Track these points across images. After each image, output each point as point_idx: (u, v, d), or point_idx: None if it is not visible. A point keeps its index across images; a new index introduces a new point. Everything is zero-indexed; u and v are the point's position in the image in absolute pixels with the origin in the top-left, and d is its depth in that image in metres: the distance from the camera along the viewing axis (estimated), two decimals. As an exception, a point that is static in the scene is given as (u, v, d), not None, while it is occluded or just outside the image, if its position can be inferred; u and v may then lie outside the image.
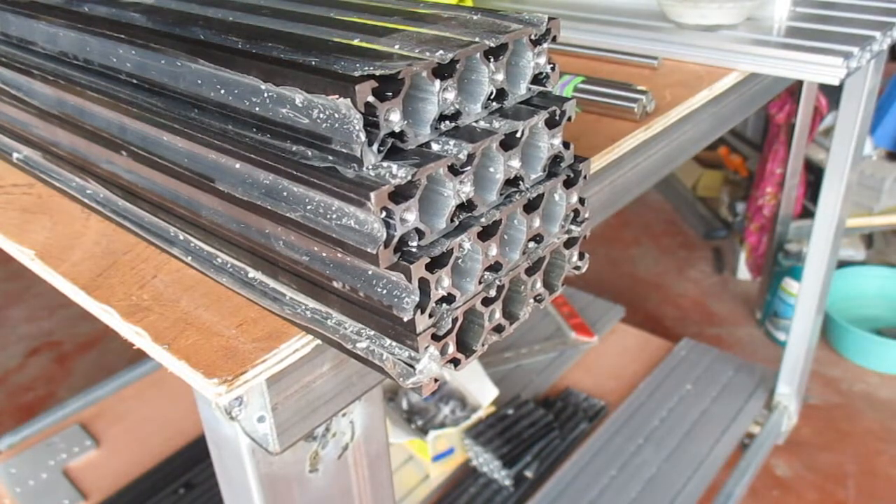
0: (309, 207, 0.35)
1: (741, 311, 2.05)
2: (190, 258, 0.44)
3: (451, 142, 0.35)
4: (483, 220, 0.36)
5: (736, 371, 1.65)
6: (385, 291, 0.34)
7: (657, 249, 2.36)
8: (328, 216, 0.34)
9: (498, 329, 0.39)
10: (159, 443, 1.50)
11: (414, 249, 0.34)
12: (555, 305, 1.84)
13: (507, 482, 1.38)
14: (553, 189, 0.40)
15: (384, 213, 0.32)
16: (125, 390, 1.64)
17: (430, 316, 0.34)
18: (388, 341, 0.36)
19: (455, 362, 0.37)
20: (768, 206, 1.98)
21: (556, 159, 0.40)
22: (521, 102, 0.40)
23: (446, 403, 1.52)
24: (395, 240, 0.33)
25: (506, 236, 0.39)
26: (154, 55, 0.41)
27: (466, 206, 0.36)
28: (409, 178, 0.32)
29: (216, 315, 0.41)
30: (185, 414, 1.56)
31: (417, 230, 0.33)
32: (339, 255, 0.35)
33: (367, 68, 0.32)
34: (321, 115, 0.33)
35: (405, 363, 0.35)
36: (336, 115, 0.32)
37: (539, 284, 0.42)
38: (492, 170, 0.37)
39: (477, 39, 0.36)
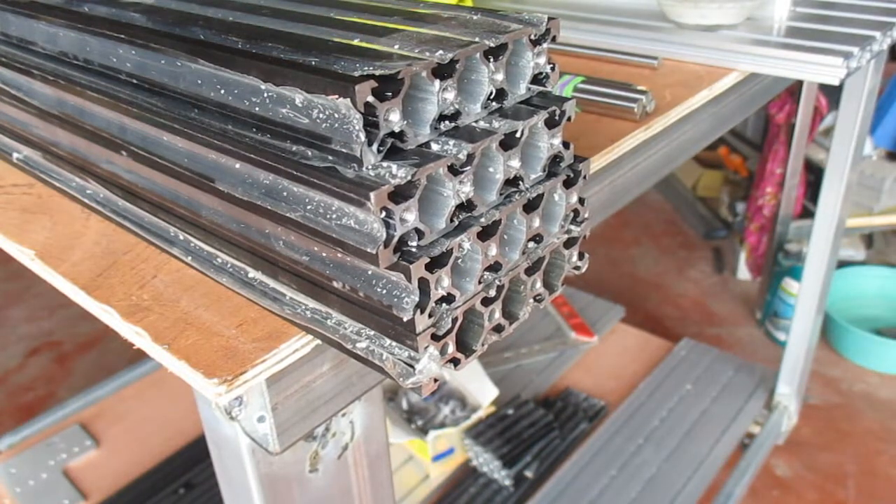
0: (309, 207, 0.35)
1: (741, 311, 2.05)
2: (190, 258, 0.44)
3: (451, 142, 0.35)
4: (483, 220, 0.36)
5: (736, 371, 1.65)
6: (385, 291, 0.34)
7: (657, 249, 2.36)
8: (328, 216, 0.34)
9: (498, 329, 0.39)
10: (159, 443, 1.50)
11: (414, 249, 0.34)
12: (555, 305, 1.84)
13: (507, 482, 1.38)
14: (553, 189, 0.40)
15: (384, 213, 0.32)
16: (125, 390, 1.64)
17: (430, 316, 0.34)
18: (388, 341, 0.36)
19: (455, 362, 0.37)
20: (768, 206, 1.98)
21: (555, 159, 0.40)
22: (521, 102, 0.40)
23: (446, 403, 1.52)
24: (395, 240, 0.33)
25: (505, 236, 0.39)
26: (154, 55, 0.41)
27: (466, 206, 0.36)
28: (409, 178, 0.32)
29: (216, 315, 0.41)
30: (185, 414, 1.56)
31: (417, 230, 0.33)
32: (339, 255, 0.35)
33: (367, 68, 0.32)
34: (321, 115, 0.33)
35: (405, 363, 0.35)
36: (336, 115, 0.32)
37: (539, 284, 0.42)
38: (491, 170, 0.37)
39: (477, 39, 0.36)
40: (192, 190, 0.42)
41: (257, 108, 0.36)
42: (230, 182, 0.38)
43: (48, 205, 0.54)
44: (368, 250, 0.32)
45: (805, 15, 0.83)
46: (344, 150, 0.33)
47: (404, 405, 1.52)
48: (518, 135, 0.37)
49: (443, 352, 0.36)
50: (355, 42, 0.37)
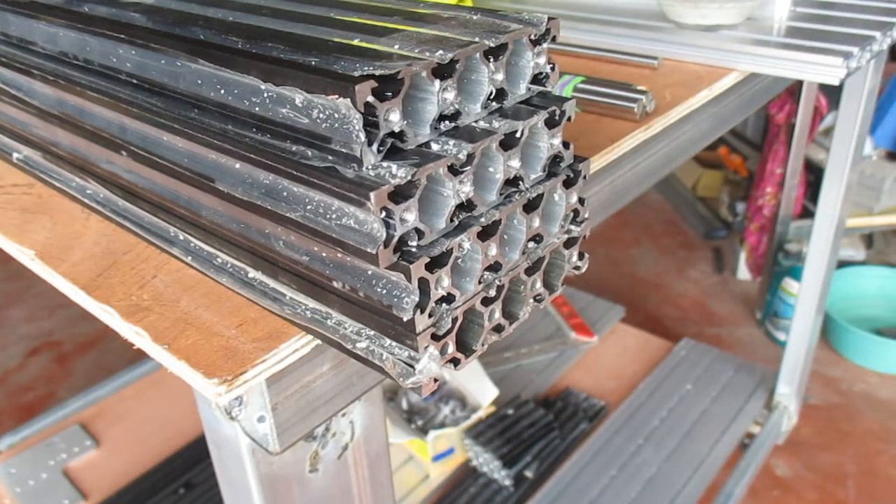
0: (309, 207, 0.35)
1: (741, 311, 2.05)
2: (190, 258, 0.44)
3: (451, 142, 0.35)
4: (483, 219, 0.36)
5: (736, 371, 1.65)
6: (385, 291, 0.34)
7: (657, 249, 2.36)
8: (328, 216, 0.34)
9: (498, 329, 0.39)
10: (159, 443, 1.50)
11: (414, 249, 0.34)
12: (555, 305, 1.84)
13: (507, 482, 1.38)
14: (553, 189, 0.40)
15: (384, 213, 0.32)
16: (125, 390, 1.64)
17: (430, 316, 0.34)
18: (388, 341, 0.36)
19: (455, 362, 0.37)
20: (768, 206, 1.98)
21: (555, 159, 0.40)
22: (521, 102, 0.40)
23: (446, 403, 1.52)
24: (395, 240, 0.33)
25: (505, 236, 0.39)
26: (154, 55, 0.41)
27: (466, 206, 0.36)
28: (409, 178, 0.32)
29: (216, 315, 0.41)
30: (185, 414, 1.56)
31: (417, 230, 0.33)
32: (339, 255, 0.35)
33: (366, 68, 0.32)
34: (321, 115, 0.33)
35: (405, 363, 0.35)
36: (336, 115, 0.32)
37: (539, 284, 0.42)
38: (491, 170, 0.37)
39: (477, 39, 0.36)
40: (192, 190, 0.42)
41: (257, 108, 0.36)
42: (230, 182, 0.38)
43: (48, 205, 0.54)
44: (368, 250, 0.32)
45: (805, 15, 0.83)
46: (344, 150, 0.33)
47: (404, 405, 1.52)
48: (518, 135, 0.37)
49: (443, 352, 0.36)
50: (355, 42, 0.37)
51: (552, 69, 0.40)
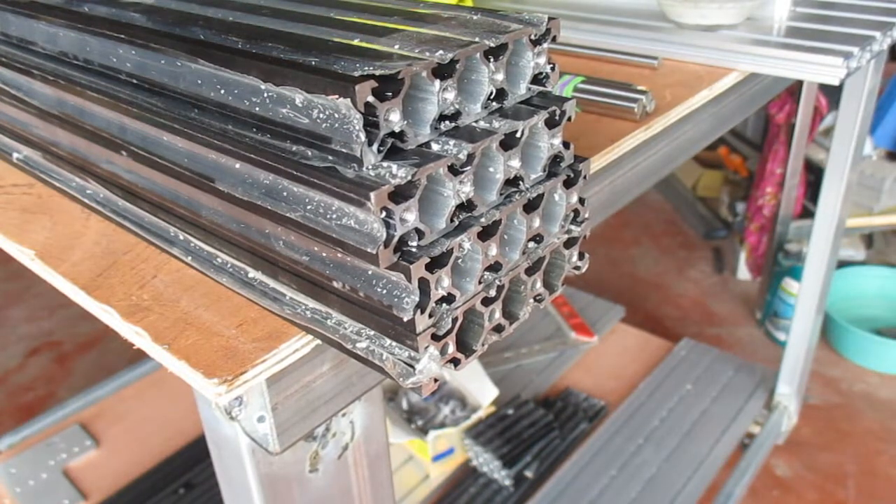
0: (309, 207, 0.35)
1: (741, 311, 2.05)
2: (190, 258, 0.44)
3: (451, 142, 0.35)
4: (483, 220, 0.36)
5: (736, 371, 1.65)
6: (385, 291, 0.34)
7: (657, 249, 2.36)
8: (328, 216, 0.34)
9: (498, 329, 0.39)
10: (159, 443, 1.50)
11: (414, 249, 0.34)
12: (555, 305, 1.84)
13: (507, 482, 1.38)
14: (553, 189, 0.40)
15: (384, 213, 0.32)
16: (125, 390, 1.64)
17: (430, 316, 0.34)
18: (388, 341, 0.36)
19: (455, 362, 0.37)
20: (768, 206, 1.98)
21: (556, 159, 0.40)
22: (521, 102, 0.40)
23: (446, 403, 1.52)
24: (395, 240, 0.33)
25: (506, 236, 0.39)
26: (154, 55, 0.41)
27: (466, 206, 0.36)
28: (409, 178, 0.32)
29: (216, 315, 0.41)
30: (185, 414, 1.56)
31: (417, 230, 0.33)
32: (339, 255, 0.35)
33: (367, 68, 0.32)
34: (321, 115, 0.33)
35: (405, 363, 0.35)
36: (336, 115, 0.32)
37: (539, 284, 0.42)
38: (492, 170, 0.37)
39: (477, 39, 0.36)
40: (192, 190, 0.42)
41: (257, 108, 0.36)
42: (230, 182, 0.38)
43: (48, 205, 0.54)
44: (368, 250, 0.32)
45: (805, 15, 0.83)
46: (344, 150, 0.33)
47: (404, 405, 1.52)
48: (518, 135, 0.37)
49: (443, 352, 0.36)
50: (355, 42, 0.37)
51: (552, 69, 0.40)
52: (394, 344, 0.36)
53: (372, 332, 0.37)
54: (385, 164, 0.33)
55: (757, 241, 2.08)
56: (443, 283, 0.34)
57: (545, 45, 0.39)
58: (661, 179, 0.79)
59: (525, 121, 0.37)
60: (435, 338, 0.35)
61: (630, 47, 0.80)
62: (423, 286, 0.33)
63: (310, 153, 0.34)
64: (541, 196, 0.39)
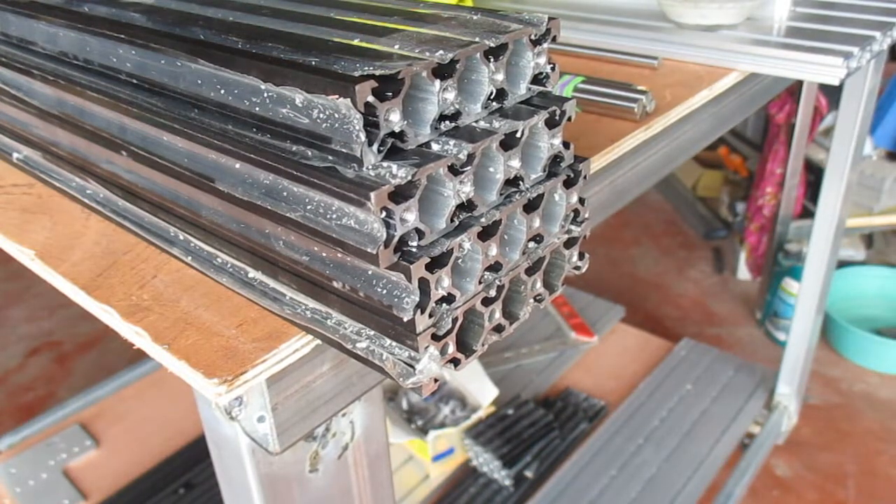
0: (309, 207, 0.35)
1: (741, 311, 2.05)
2: (190, 258, 0.44)
3: (451, 142, 0.35)
4: (483, 220, 0.36)
5: (736, 371, 1.65)
6: (385, 291, 0.34)
7: (657, 249, 2.36)
8: (328, 216, 0.34)
9: (498, 329, 0.39)
10: (159, 443, 1.50)
11: (414, 249, 0.34)
12: (555, 305, 1.84)
13: (507, 482, 1.38)
14: (553, 189, 0.40)
15: (384, 213, 0.32)
16: (125, 390, 1.64)
17: (430, 316, 0.34)
18: (388, 341, 0.36)
19: (455, 362, 0.37)
20: (768, 206, 1.98)
21: (556, 159, 0.40)
22: (521, 102, 0.40)
23: (446, 403, 1.52)
24: (395, 240, 0.33)
25: (506, 236, 0.39)
26: (154, 55, 0.41)
27: (466, 206, 0.36)
28: (409, 178, 0.32)
29: (216, 315, 0.41)
30: (185, 414, 1.56)
31: (417, 230, 0.33)
32: (339, 255, 0.35)
33: (367, 68, 0.32)
34: (321, 115, 0.33)
35: (405, 363, 0.35)
36: (336, 115, 0.32)
37: (539, 284, 0.42)
38: (492, 170, 0.37)
39: (477, 39, 0.36)
40: (192, 190, 0.42)
41: (257, 108, 0.36)
42: (230, 182, 0.38)
43: (48, 205, 0.54)
44: (368, 250, 0.32)
45: (805, 15, 0.83)
46: (344, 150, 0.33)
47: (404, 405, 1.52)
48: (518, 135, 0.37)
49: (443, 352, 0.36)
50: (355, 42, 0.37)
51: (552, 69, 0.40)
52: (394, 344, 0.36)
53: (372, 332, 0.37)
54: (385, 164, 0.33)
55: (757, 241, 2.08)
56: (443, 283, 0.34)
57: (545, 45, 0.39)
58: (661, 179, 0.79)
59: (525, 121, 0.37)
60: (435, 338, 0.35)
61: (630, 47, 0.80)
62: (423, 286, 0.33)
63: (310, 153, 0.34)
64: (541, 196, 0.39)
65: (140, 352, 0.41)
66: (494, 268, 0.37)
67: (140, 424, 1.55)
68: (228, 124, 0.38)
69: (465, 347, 0.38)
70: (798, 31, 0.78)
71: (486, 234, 0.36)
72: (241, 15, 0.44)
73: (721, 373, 1.65)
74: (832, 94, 1.64)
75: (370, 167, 0.33)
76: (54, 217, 0.52)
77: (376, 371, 0.36)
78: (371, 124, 0.32)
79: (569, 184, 0.41)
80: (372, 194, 0.31)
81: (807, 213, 1.98)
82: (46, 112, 0.51)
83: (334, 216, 0.34)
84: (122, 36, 0.43)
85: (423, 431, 1.44)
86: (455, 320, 0.36)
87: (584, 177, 0.42)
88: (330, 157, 0.33)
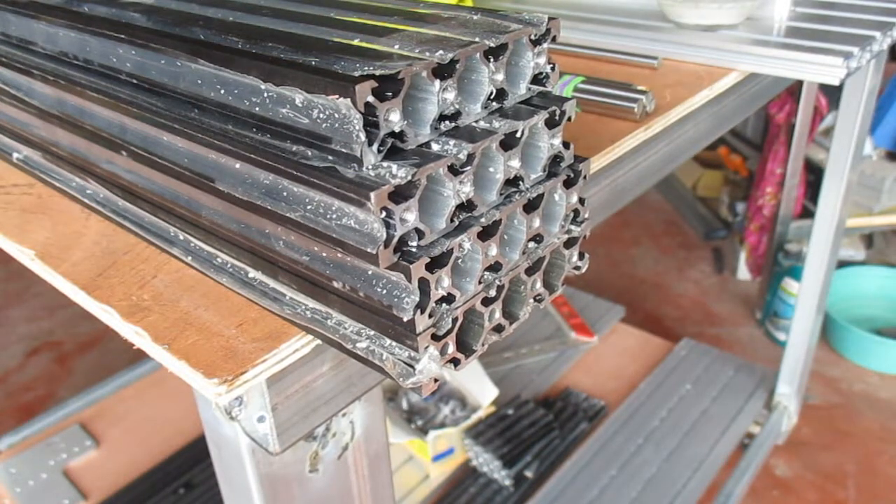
0: (309, 207, 0.35)
1: (741, 311, 2.05)
2: (190, 258, 0.44)
3: (451, 142, 0.35)
4: (483, 220, 0.36)
5: (736, 371, 1.65)
6: (385, 291, 0.34)
7: (657, 249, 2.36)
8: (328, 216, 0.34)
9: (498, 329, 0.39)
10: (159, 443, 1.50)
11: (414, 249, 0.34)
12: (555, 305, 1.84)
13: (507, 482, 1.38)
14: (553, 189, 0.40)
15: (384, 213, 0.32)
16: (125, 390, 1.64)
17: (430, 316, 0.34)
18: (388, 341, 0.36)
19: (455, 362, 0.37)
20: (768, 206, 1.98)
21: (556, 159, 0.40)
22: (521, 102, 0.40)
23: (446, 403, 1.52)
24: (395, 240, 0.33)
25: (506, 236, 0.39)
26: (154, 55, 0.41)
27: (466, 206, 0.36)
28: (409, 178, 0.32)
29: (216, 315, 0.41)
30: (185, 414, 1.56)
31: (417, 230, 0.33)
32: (339, 255, 0.35)
33: (367, 68, 0.32)
34: (321, 115, 0.33)
35: (405, 363, 0.35)
36: (336, 115, 0.32)
37: (539, 284, 0.42)
38: (492, 170, 0.37)
39: (477, 39, 0.36)
40: (192, 190, 0.42)
41: (257, 108, 0.36)
42: (230, 182, 0.38)
43: (48, 205, 0.54)
44: (368, 250, 0.32)
45: (805, 15, 0.83)
46: (344, 150, 0.33)
47: (404, 405, 1.52)
48: (518, 135, 0.37)
49: (443, 352, 0.36)
50: (355, 42, 0.37)
51: (552, 69, 0.40)
52: (394, 344, 0.36)
53: (372, 332, 0.37)
54: (385, 164, 0.33)
55: (757, 241, 2.08)
56: (443, 283, 0.35)
57: (545, 45, 0.39)
58: (661, 179, 0.79)
59: (525, 121, 0.37)
60: (435, 338, 0.35)
61: (630, 47, 0.80)
62: (423, 286, 0.33)
63: (310, 153, 0.34)
64: (541, 196, 0.39)
65: (140, 352, 0.41)
66: (494, 268, 0.37)
67: (140, 424, 1.55)
68: (228, 124, 0.38)
69: (464, 347, 0.38)
70: (798, 31, 0.78)
71: (486, 234, 0.36)
72: (241, 15, 0.44)
73: (721, 373, 1.65)
74: (832, 94, 1.64)
75: (370, 167, 0.33)
76: (54, 217, 0.52)
77: (376, 371, 0.36)
78: (371, 124, 0.32)
79: (569, 184, 0.41)
80: (372, 194, 0.31)
81: (807, 213, 1.98)
82: (46, 112, 0.51)
83: (334, 216, 0.34)
84: (122, 36, 0.43)
85: (423, 431, 1.45)
86: (455, 320, 0.36)
87: (584, 177, 0.42)
88: (330, 157, 0.33)
